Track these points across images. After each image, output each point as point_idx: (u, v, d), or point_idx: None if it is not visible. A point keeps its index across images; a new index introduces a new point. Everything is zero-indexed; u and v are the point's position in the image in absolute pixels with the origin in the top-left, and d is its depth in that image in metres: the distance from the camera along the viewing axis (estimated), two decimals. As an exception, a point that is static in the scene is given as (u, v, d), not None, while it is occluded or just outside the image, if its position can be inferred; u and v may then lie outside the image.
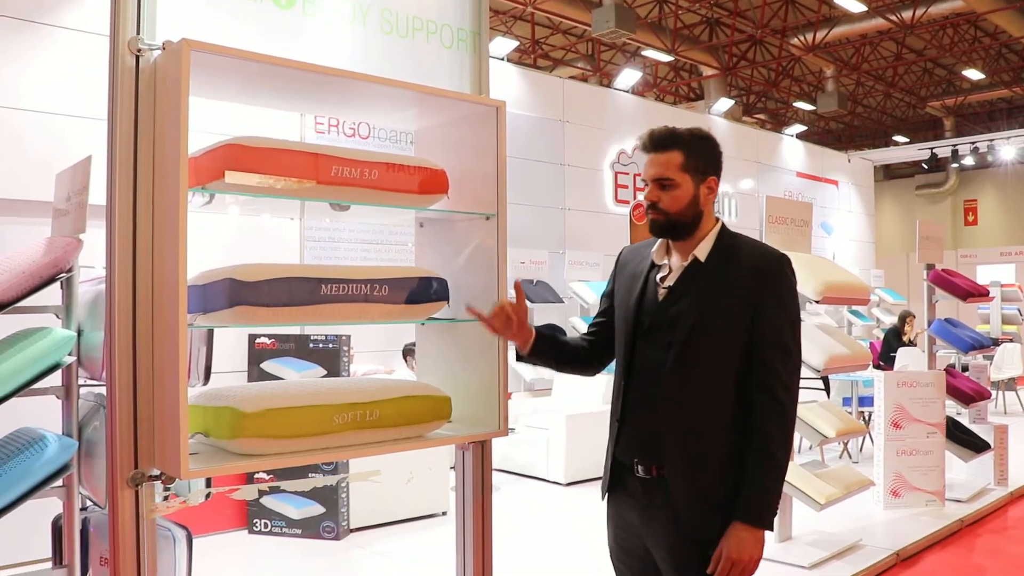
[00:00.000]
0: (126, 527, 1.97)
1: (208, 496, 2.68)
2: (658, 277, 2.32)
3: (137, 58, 2.00)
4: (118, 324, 1.97)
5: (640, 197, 11.47)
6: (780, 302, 2.22)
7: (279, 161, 2.12)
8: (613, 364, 2.52)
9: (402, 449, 2.39)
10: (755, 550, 2.13)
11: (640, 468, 2.26)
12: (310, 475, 5.19)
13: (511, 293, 2.49)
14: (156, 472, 2.01)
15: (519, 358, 2.54)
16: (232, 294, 2.03)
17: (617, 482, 2.36)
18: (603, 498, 2.42)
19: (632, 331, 2.31)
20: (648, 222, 2.29)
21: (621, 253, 2.53)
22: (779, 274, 2.24)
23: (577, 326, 9.25)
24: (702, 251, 2.27)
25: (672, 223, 2.26)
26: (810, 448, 8.09)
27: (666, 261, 2.33)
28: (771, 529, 2.17)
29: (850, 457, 8.08)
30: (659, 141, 2.26)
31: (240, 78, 2.23)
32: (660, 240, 2.36)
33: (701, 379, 2.20)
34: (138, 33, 2.00)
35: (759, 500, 2.15)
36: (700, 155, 2.27)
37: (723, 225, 2.33)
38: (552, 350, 2.51)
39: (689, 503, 2.17)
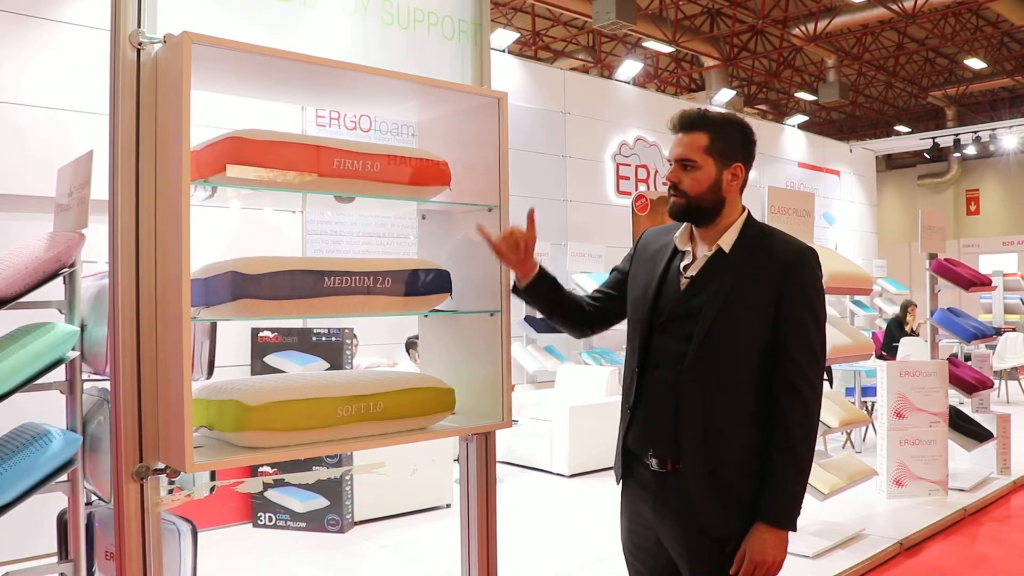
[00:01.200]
0: (131, 521, 1.97)
1: (213, 489, 2.69)
2: (681, 266, 2.27)
3: (138, 51, 2.00)
4: (121, 318, 1.97)
5: (642, 188, 11.45)
6: (805, 297, 2.18)
7: (280, 154, 2.12)
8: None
9: (406, 441, 2.39)
10: (779, 551, 2.10)
11: (655, 461, 2.23)
12: (314, 468, 5.20)
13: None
14: (161, 465, 2.02)
15: (515, 290, 2.52)
16: (235, 287, 2.03)
17: (629, 474, 2.33)
18: (618, 483, 2.40)
19: (649, 319, 2.27)
20: (669, 204, 2.26)
21: (643, 235, 2.48)
22: (805, 268, 2.19)
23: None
24: (727, 241, 2.23)
25: (692, 206, 2.22)
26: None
27: (688, 248, 2.29)
28: (795, 530, 2.14)
29: (853, 447, 8.08)
30: (686, 122, 2.22)
31: (241, 71, 2.23)
32: (684, 225, 2.32)
33: (723, 373, 2.15)
34: (139, 26, 2.00)
35: (783, 501, 2.12)
36: (727, 139, 2.23)
37: (749, 214, 2.29)
38: (550, 293, 2.49)
39: (707, 499, 2.14)
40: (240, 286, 2.03)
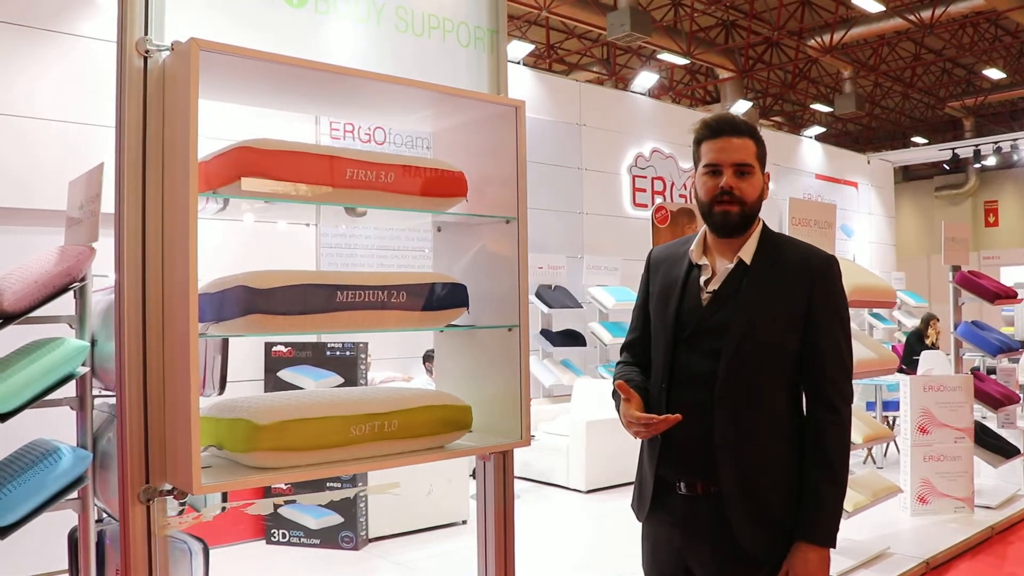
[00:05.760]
0: (137, 544, 1.90)
1: (224, 509, 2.63)
2: (701, 280, 2.18)
3: (145, 59, 1.95)
4: (127, 334, 1.91)
5: (659, 201, 11.36)
6: (833, 306, 2.12)
7: (292, 164, 2.05)
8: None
9: (421, 461, 2.31)
10: (823, 570, 2.03)
11: (683, 485, 2.13)
12: (328, 486, 5.14)
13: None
14: (168, 487, 1.95)
15: None
16: (245, 302, 1.96)
17: (654, 501, 2.22)
18: (640, 519, 2.29)
19: (672, 337, 2.17)
20: (717, 214, 2.13)
21: (651, 255, 2.37)
22: (830, 276, 2.13)
23: (596, 331, 9.15)
24: (747, 252, 2.14)
25: (745, 215, 2.12)
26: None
27: (706, 261, 2.19)
28: (835, 547, 2.07)
29: (874, 462, 7.96)
30: (735, 126, 2.13)
31: (251, 79, 2.17)
32: (697, 237, 2.23)
33: (755, 389, 2.08)
34: (146, 34, 1.95)
35: (825, 519, 2.05)
36: (764, 148, 2.17)
37: (764, 224, 2.21)
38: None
39: (745, 521, 2.05)
40: (250, 301, 1.96)
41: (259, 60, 1.98)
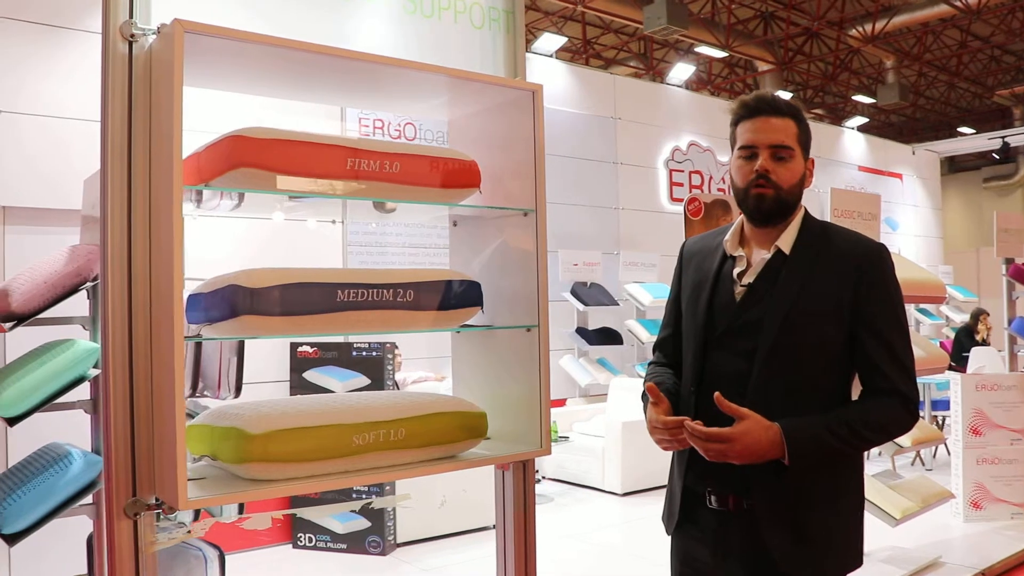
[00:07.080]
0: (124, 562, 1.78)
1: (242, 513, 2.53)
2: (735, 273, 2.01)
3: (130, 44, 1.82)
4: (112, 337, 1.78)
5: (695, 193, 11.11)
6: (885, 298, 1.93)
7: (287, 154, 1.91)
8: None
9: (431, 472, 2.15)
10: (754, 454, 1.81)
11: (713, 499, 1.96)
12: (353, 496, 5.03)
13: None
14: (156, 500, 1.82)
15: None
16: (237, 302, 1.82)
17: (683, 514, 2.06)
18: (669, 532, 2.12)
19: (703, 335, 2.01)
20: (752, 198, 1.97)
21: (684, 246, 2.21)
22: (880, 266, 1.94)
23: (633, 329, 8.96)
24: (786, 242, 1.97)
25: (782, 201, 1.95)
26: (879, 455, 7.67)
27: (741, 252, 2.02)
28: (788, 463, 1.83)
29: (923, 464, 7.67)
30: (773, 104, 1.96)
31: (244, 64, 2.03)
32: (733, 227, 2.07)
33: (793, 392, 1.90)
34: (131, 17, 1.82)
35: (811, 432, 1.83)
36: (807, 131, 2.00)
37: (806, 212, 2.04)
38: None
39: (781, 539, 1.87)
40: (242, 301, 1.82)
41: (249, 42, 1.84)
